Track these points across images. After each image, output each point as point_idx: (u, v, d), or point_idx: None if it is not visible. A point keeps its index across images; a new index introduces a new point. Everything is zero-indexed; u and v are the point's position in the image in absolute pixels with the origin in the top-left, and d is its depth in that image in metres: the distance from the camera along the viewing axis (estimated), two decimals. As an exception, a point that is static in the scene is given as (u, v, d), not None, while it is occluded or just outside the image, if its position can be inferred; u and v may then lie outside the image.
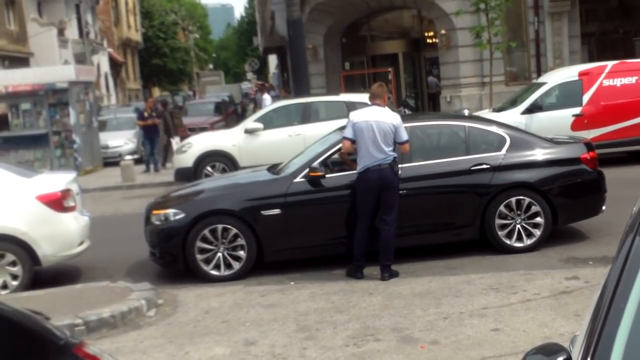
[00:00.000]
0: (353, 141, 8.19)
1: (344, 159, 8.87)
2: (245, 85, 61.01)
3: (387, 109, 8.44)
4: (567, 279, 7.54)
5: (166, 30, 67.71)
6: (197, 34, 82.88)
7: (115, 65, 52.80)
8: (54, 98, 21.34)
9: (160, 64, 66.39)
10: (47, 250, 8.85)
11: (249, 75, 54.57)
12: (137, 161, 21.28)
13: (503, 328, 6.26)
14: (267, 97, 26.29)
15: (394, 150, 8.14)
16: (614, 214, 9.26)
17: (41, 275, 9.20)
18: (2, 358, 3.00)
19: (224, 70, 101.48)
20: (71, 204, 9.16)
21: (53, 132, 21.39)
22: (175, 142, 20.30)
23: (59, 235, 8.96)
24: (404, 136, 8.22)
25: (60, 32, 39.20)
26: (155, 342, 6.71)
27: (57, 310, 7.40)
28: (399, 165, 8.40)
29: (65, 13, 41.59)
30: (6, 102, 21.15)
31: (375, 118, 8.13)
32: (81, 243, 9.30)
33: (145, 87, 66.87)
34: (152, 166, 20.77)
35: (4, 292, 8.58)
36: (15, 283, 8.70)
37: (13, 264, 8.74)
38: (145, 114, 20.95)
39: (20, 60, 33.98)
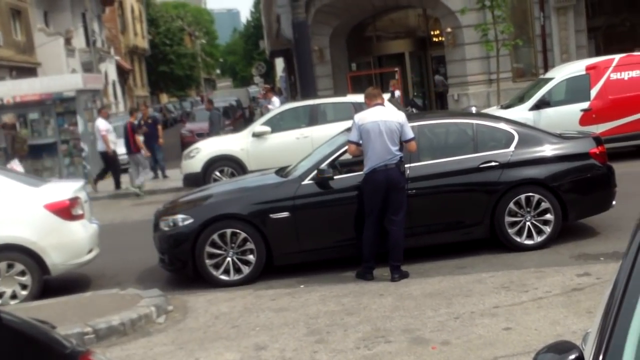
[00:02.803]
0: (359, 144, 8.14)
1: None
2: (252, 89, 61.13)
3: (391, 107, 8.40)
4: (578, 275, 7.48)
5: (172, 36, 67.92)
6: (203, 39, 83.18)
7: (122, 72, 52.98)
8: (61, 107, 21.35)
9: (167, 71, 66.59)
10: (56, 259, 8.84)
11: (256, 79, 54.70)
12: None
13: (515, 327, 6.20)
14: (275, 100, 26.26)
15: (400, 150, 8.09)
16: (624, 209, 9.20)
17: (50, 283, 9.21)
18: None
19: (231, 75, 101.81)
20: (79, 212, 9.15)
21: (61, 140, 21.43)
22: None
23: (67, 243, 8.95)
24: (410, 133, 8.18)
25: (67, 41, 39.33)
26: (165, 349, 6.69)
27: (67, 318, 7.41)
28: (407, 165, 8.36)
29: (72, 22, 41.73)
30: (14, 112, 21.18)
31: (382, 117, 8.09)
32: (90, 251, 9.29)
33: (153, 93, 67.08)
34: (159, 172, 20.73)
35: (13, 302, 8.58)
36: (24, 292, 8.69)
37: (22, 273, 8.72)
38: (141, 122, 20.69)
39: (28, 70, 34.10)
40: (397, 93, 22.65)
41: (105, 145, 18.58)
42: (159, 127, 20.83)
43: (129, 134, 18.90)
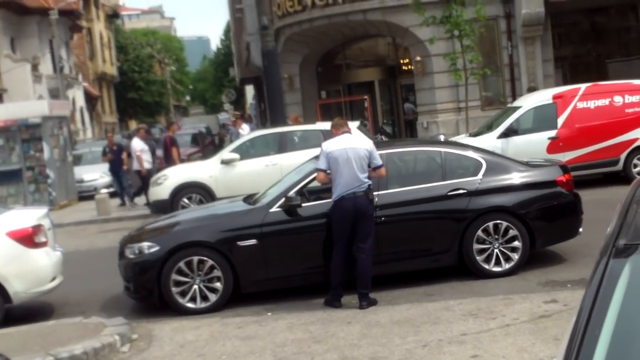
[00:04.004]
0: (327, 172, 8.11)
1: None
2: (222, 116, 61.01)
3: (359, 134, 8.40)
4: (546, 302, 7.48)
5: (142, 63, 67.67)
6: (173, 66, 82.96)
7: (90, 99, 52.58)
8: (27, 133, 21.17)
9: (136, 97, 66.25)
10: (19, 287, 8.66)
11: (226, 106, 54.63)
12: (113, 194, 21.04)
13: (482, 354, 6.17)
14: (245, 127, 26.20)
15: (368, 178, 8.07)
16: (591, 236, 9.20)
17: (13, 312, 9.00)
18: None
19: (201, 102, 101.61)
20: (43, 239, 8.99)
21: (27, 167, 21.19)
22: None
23: (30, 271, 8.78)
24: (379, 160, 8.18)
25: (34, 67, 38.99)
26: (129, 379, 6.55)
27: (29, 347, 7.25)
28: (375, 193, 8.34)
29: (39, 49, 41.40)
30: (-21, 137, 20.94)
31: (350, 145, 8.08)
32: (53, 279, 9.11)
33: (122, 120, 66.64)
34: (126, 199, 20.53)
35: (-26, 331, 8.37)
36: (-15, 321, 8.49)
37: (-17, 302, 8.53)
38: (106, 149, 20.78)
39: (-6, 96, 33.74)
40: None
41: (139, 165, 19.05)
42: (124, 153, 20.66)
43: (168, 147, 19.62)
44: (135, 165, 19.33)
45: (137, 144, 19.35)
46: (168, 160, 19.40)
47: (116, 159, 20.44)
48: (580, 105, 15.32)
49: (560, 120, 15.29)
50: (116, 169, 20.50)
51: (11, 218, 9.14)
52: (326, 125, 16.30)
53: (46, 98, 36.78)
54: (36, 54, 40.25)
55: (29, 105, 24.43)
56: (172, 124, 23.38)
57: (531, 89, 21.69)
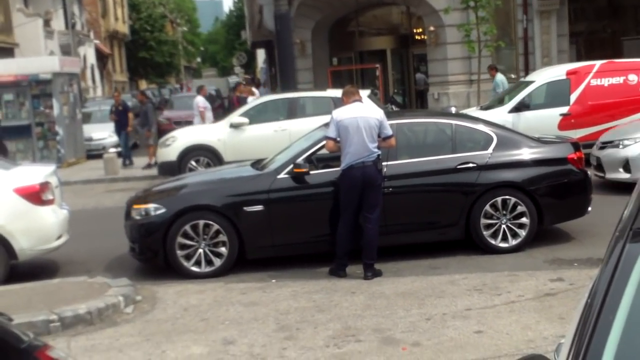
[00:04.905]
0: (337, 140, 8.05)
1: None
2: (233, 79, 60.80)
3: (370, 103, 8.33)
4: (551, 280, 7.45)
5: (154, 23, 67.25)
6: (185, 27, 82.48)
7: (101, 57, 52.41)
8: (37, 89, 21.11)
9: (147, 57, 65.97)
10: (24, 244, 8.67)
11: (237, 69, 54.39)
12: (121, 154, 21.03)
13: (486, 330, 6.15)
14: (256, 91, 26.10)
15: (378, 148, 8.01)
16: (599, 216, 9.22)
17: (18, 269, 9.02)
18: None
19: (212, 64, 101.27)
20: (50, 197, 8.98)
21: (36, 123, 21.15)
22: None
23: (36, 228, 8.78)
24: (389, 130, 8.11)
25: (46, 22, 38.80)
26: (131, 340, 6.56)
27: (33, 305, 7.26)
28: (384, 163, 8.29)
29: (52, 4, 41.17)
30: (-11, 92, 20.90)
31: (361, 114, 8.00)
32: (59, 237, 9.12)
33: (132, 79, 66.47)
34: (126, 160, 20.51)
35: (-21, 286, 8.40)
36: (-10, 277, 8.51)
37: (-12, 257, 8.55)
38: (112, 109, 20.79)
39: (5, 51, 33.58)
40: (250, 99, 21.62)
41: (202, 121, 19.24)
42: (130, 114, 20.58)
43: (235, 105, 20.55)
44: (197, 122, 19.45)
45: (201, 102, 19.76)
46: None
47: (121, 119, 20.40)
48: (594, 82, 15.16)
49: (573, 97, 15.14)
50: (120, 129, 20.48)
51: (19, 174, 9.13)
52: (337, 93, 16.22)
53: (57, 54, 36.67)
54: (48, 9, 40.02)
55: (40, 60, 24.35)
56: (240, 84, 24.57)
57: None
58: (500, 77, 19.33)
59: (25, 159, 19.52)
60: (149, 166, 19.15)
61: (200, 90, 21.14)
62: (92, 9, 53.14)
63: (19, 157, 19.22)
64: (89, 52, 47.69)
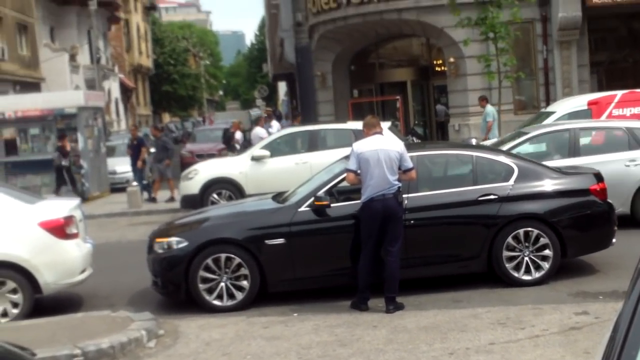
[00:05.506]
0: (357, 173, 8.08)
1: None
2: (254, 112, 61.21)
3: (390, 135, 8.35)
4: (576, 314, 7.37)
5: (177, 56, 68.15)
6: (207, 60, 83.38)
7: (125, 90, 53.05)
8: (62, 123, 21.37)
9: (170, 90, 66.72)
10: (49, 278, 8.73)
11: (259, 101, 54.80)
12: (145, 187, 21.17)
13: (510, 365, 6.09)
14: (274, 124, 26.25)
15: (398, 180, 8.03)
16: (624, 248, 9.11)
17: (42, 303, 9.08)
18: None
19: (234, 97, 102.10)
20: (74, 230, 9.07)
21: (61, 157, 21.33)
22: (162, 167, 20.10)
23: (60, 262, 8.85)
24: (410, 163, 8.13)
25: (72, 57, 39.43)
26: (154, 375, 6.57)
27: (57, 339, 7.31)
28: (405, 195, 8.29)
29: (77, 39, 41.88)
30: (15, 126, 21.21)
31: (381, 146, 8.03)
32: (83, 271, 9.18)
33: (156, 112, 67.13)
34: (145, 193, 20.58)
35: (3, 320, 8.47)
36: (15, 311, 8.57)
37: (14, 291, 8.61)
38: (129, 143, 20.97)
39: (32, 85, 34.14)
40: (238, 134, 24.01)
41: None
42: (143, 149, 20.65)
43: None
44: None
45: (261, 132, 20.13)
46: None
47: (134, 153, 20.56)
48: (616, 112, 15.07)
49: (596, 127, 15.03)
50: (135, 163, 20.65)
51: (44, 208, 9.22)
52: (358, 125, 16.27)
53: (82, 88, 37.18)
54: (74, 44, 40.71)
55: (65, 95, 24.70)
56: (261, 117, 24.81)
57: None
58: (490, 108, 19.68)
59: (50, 192, 19.69)
60: (171, 199, 19.24)
61: (257, 121, 21.81)
62: (117, 44, 53.91)
63: (44, 191, 19.40)
64: (113, 86, 48.30)
